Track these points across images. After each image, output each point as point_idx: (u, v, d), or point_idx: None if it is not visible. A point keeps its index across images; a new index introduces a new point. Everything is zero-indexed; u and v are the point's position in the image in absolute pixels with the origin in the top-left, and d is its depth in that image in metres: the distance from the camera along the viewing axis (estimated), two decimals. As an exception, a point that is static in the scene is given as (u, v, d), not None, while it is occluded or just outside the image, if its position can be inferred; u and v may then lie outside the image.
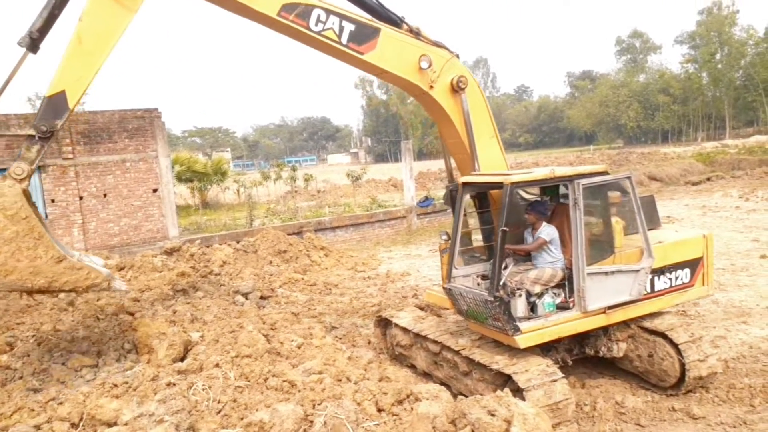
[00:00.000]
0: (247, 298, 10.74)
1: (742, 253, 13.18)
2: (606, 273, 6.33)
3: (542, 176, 6.26)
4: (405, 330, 7.76)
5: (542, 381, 5.60)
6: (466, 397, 5.13)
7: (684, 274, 6.92)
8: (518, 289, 6.34)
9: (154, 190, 17.10)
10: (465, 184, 6.75)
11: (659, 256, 6.60)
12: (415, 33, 6.78)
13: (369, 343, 9.00)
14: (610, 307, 6.40)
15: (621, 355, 6.79)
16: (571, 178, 6.23)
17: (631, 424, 6.05)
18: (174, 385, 5.60)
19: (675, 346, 6.41)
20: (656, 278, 6.74)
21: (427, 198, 21.71)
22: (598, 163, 38.52)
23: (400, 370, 7.47)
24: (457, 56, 6.99)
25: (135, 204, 16.85)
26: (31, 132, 6.00)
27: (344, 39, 6.50)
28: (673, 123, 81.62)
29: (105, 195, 16.38)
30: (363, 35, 6.53)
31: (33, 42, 6.09)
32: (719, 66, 73.24)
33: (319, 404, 4.86)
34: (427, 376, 7.40)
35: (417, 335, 7.45)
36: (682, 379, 6.41)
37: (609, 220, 6.54)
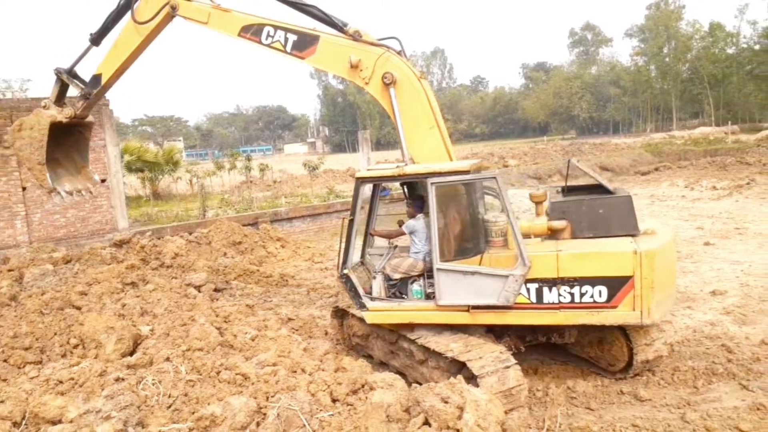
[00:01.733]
0: (199, 291, 10.52)
1: (687, 240, 13.66)
2: (464, 272, 6.27)
3: (390, 173, 6.64)
4: (362, 320, 7.74)
5: (496, 368, 5.67)
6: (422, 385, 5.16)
7: (597, 292, 5.96)
8: (377, 272, 7.12)
9: (103, 181, 16.54)
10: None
11: (547, 266, 6.08)
12: (353, 36, 7.36)
13: (326, 334, 8.96)
14: (474, 307, 6.32)
15: (572, 341, 6.94)
16: (424, 176, 6.37)
17: (582, 408, 6.20)
18: (122, 380, 5.43)
19: (623, 331, 6.59)
20: (546, 290, 6.14)
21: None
22: (553, 153, 39.23)
23: (356, 361, 7.42)
24: (399, 52, 7.29)
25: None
26: (82, 93, 9.21)
27: (288, 48, 7.65)
28: (624, 114, 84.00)
29: (50, 185, 15.77)
30: (304, 43, 7.57)
31: (95, 40, 9.12)
32: (667, 59, 75.57)
33: (272, 396, 4.80)
34: (383, 365, 7.41)
35: (374, 325, 7.45)
36: (630, 363, 6.60)
37: (477, 219, 6.59)
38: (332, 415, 4.47)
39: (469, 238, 6.57)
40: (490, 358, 5.83)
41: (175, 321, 7.65)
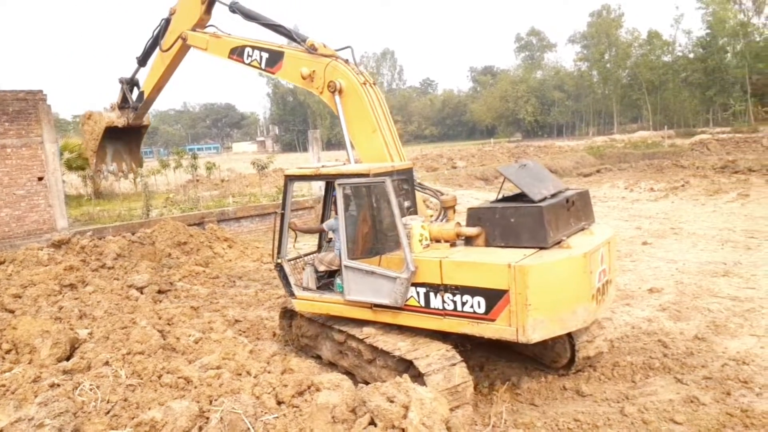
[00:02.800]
0: (142, 293, 10.22)
1: (627, 240, 14.16)
2: (365, 271, 6.52)
3: (310, 172, 7.29)
4: (310, 320, 7.70)
5: (442, 365, 5.72)
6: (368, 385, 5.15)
7: (477, 303, 5.80)
8: (307, 263, 7.70)
9: (40, 179, 15.85)
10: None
11: (432, 272, 6.04)
12: (308, 49, 8.14)
13: (274, 335, 8.86)
14: (376, 305, 6.52)
15: (517, 338, 7.06)
16: (333, 177, 6.87)
17: (526, 404, 6.32)
18: (58, 386, 5.22)
19: (566, 328, 6.73)
20: (432, 295, 6.11)
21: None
22: (500, 155, 39.95)
23: (304, 362, 7.38)
24: (346, 61, 7.95)
25: (17, 193, 15.54)
26: (131, 105, 11.41)
27: (263, 65, 8.77)
28: (567, 118, 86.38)
29: (-19, 183, 15.01)
30: (274, 59, 8.62)
31: (140, 61, 11.16)
32: (608, 65, 78.15)
33: (215, 400, 4.70)
34: (333, 366, 7.38)
35: (322, 325, 7.42)
36: (572, 359, 6.76)
37: (382, 221, 6.72)
38: (277, 417, 4.41)
39: (373, 239, 6.74)
40: (436, 356, 5.88)
41: (115, 324, 7.42)
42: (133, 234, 15.22)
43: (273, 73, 8.75)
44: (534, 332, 5.58)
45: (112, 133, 11.48)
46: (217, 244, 15.40)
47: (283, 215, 7.45)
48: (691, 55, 69.94)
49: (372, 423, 4.21)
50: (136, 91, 11.59)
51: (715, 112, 70.34)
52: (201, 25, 9.78)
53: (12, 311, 8.27)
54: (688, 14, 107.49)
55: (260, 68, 8.82)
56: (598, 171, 32.39)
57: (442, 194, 7.36)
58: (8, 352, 6.82)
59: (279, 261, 7.54)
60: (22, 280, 10.00)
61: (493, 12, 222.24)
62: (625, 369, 6.88)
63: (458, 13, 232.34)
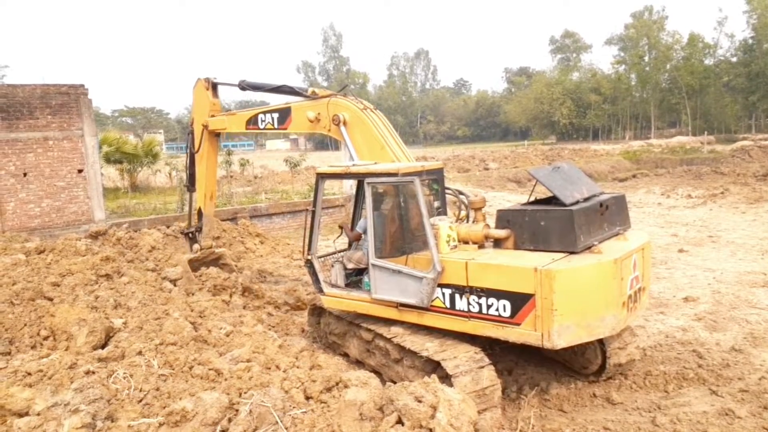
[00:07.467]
0: (175, 285, 10.39)
1: (662, 247, 13.86)
2: (391, 270, 6.54)
3: (340, 171, 7.43)
4: (338, 318, 7.75)
5: (470, 367, 5.69)
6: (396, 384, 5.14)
7: (502, 306, 5.74)
8: (336, 261, 7.80)
9: (80, 171, 16.30)
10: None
11: (458, 273, 6.01)
12: (310, 96, 8.89)
13: (303, 331, 8.93)
14: (402, 305, 6.51)
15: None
16: (363, 176, 6.93)
17: (555, 410, 6.25)
18: (93, 373, 5.34)
19: (597, 334, 6.63)
20: (458, 296, 6.08)
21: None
22: (534, 158, 39.53)
23: (332, 358, 7.41)
24: (345, 95, 8.60)
25: (58, 185, 16.00)
26: (196, 229, 11.85)
27: (276, 125, 9.58)
28: (603, 121, 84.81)
29: (25, 174, 15.48)
30: (283, 116, 9.44)
31: (187, 187, 11.97)
32: (647, 68, 76.54)
33: (245, 392, 4.75)
34: (360, 364, 7.41)
35: (350, 323, 7.46)
36: (603, 366, 6.66)
37: (410, 220, 6.71)
38: (305, 412, 4.45)
39: (401, 238, 6.78)
40: (464, 357, 5.85)
41: (149, 314, 7.55)
42: (167, 227, 15.51)
43: (286, 129, 9.50)
44: (559, 338, 5.50)
45: (195, 265, 11.86)
46: (249, 240, 15.60)
47: (314, 212, 7.60)
48: (734, 59, 68.10)
49: (399, 422, 4.20)
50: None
51: (757, 118, 68.41)
52: (215, 110, 10.77)
53: (50, 299, 8.47)
54: (732, 17, 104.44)
55: (274, 128, 9.67)
56: (633, 176, 31.87)
57: (461, 193, 7.34)
58: (46, 338, 7.01)
59: (309, 257, 7.66)
60: (61, 269, 10.25)
61: (529, 12, 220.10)
62: (657, 378, 6.74)
63: (493, 13, 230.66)
